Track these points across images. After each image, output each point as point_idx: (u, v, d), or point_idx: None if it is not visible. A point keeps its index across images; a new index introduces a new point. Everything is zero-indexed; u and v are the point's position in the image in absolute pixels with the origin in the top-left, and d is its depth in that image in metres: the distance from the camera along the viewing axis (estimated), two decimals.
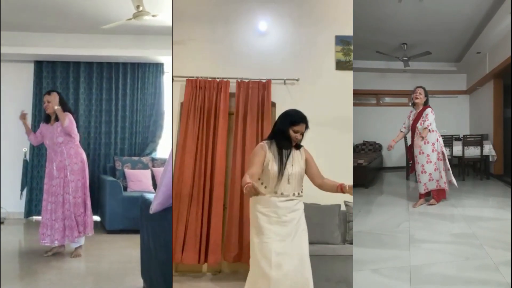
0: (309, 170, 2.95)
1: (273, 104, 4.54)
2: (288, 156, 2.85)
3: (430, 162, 5.36)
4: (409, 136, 5.82)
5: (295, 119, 2.86)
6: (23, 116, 5.18)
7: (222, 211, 4.35)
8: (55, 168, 4.98)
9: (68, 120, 4.99)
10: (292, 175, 2.82)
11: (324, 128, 4.32)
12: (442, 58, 9.16)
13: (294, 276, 2.72)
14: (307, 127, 2.90)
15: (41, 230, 4.97)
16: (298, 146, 2.94)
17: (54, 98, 5.08)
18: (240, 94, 4.50)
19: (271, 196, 2.80)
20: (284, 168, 2.80)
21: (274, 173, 2.79)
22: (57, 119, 5.07)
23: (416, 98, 5.39)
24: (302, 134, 2.89)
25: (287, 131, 2.85)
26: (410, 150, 5.72)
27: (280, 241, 2.74)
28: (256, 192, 2.48)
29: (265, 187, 2.82)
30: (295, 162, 2.87)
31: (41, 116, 7.18)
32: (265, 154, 2.82)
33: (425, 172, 5.38)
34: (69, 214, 4.95)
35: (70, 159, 5.02)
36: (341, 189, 2.85)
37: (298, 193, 2.87)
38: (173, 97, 4.61)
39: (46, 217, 4.97)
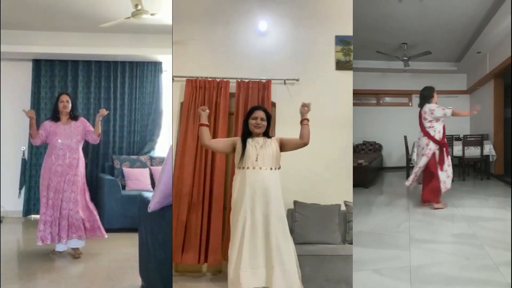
0: (288, 145, 3.38)
1: (273, 104, 4.54)
2: (248, 141, 3.31)
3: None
4: None
5: (251, 110, 3.41)
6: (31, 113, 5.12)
7: (222, 211, 4.34)
8: (67, 165, 4.98)
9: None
10: (261, 154, 3.25)
11: (324, 128, 4.31)
12: (443, 58, 9.17)
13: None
14: (267, 113, 3.38)
15: (45, 228, 4.89)
16: (268, 137, 3.38)
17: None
18: (240, 94, 4.49)
19: (245, 169, 3.25)
20: (245, 148, 3.27)
21: (241, 153, 3.27)
22: (72, 119, 5.14)
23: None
24: (264, 120, 3.34)
25: (246, 122, 3.37)
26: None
27: (251, 217, 3.17)
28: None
29: (242, 168, 3.27)
30: (265, 145, 3.30)
31: (39, 115, 7.19)
32: (234, 142, 3.38)
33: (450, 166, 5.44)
34: (73, 213, 4.95)
35: (80, 160, 5.11)
36: (303, 122, 3.34)
37: (271, 168, 3.27)
38: (173, 97, 4.59)
39: (52, 215, 4.91)
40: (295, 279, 3.16)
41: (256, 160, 3.23)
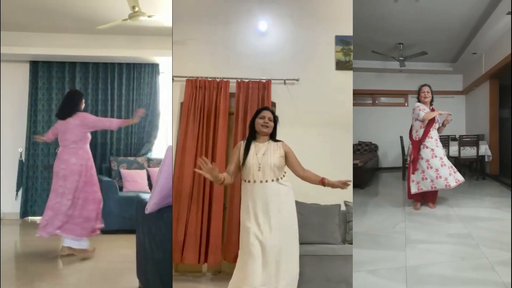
0: (289, 163, 3.19)
1: (273, 104, 4.54)
2: (251, 147, 3.14)
3: (436, 157, 5.18)
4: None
5: (258, 110, 3.27)
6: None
7: (222, 211, 4.35)
8: (76, 170, 5.00)
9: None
10: (263, 163, 3.06)
11: (324, 128, 4.33)
12: (438, 58, 9.18)
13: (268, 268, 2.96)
14: (274, 114, 3.23)
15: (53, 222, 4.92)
16: (275, 140, 3.23)
17: None
18: (240, 94, 4.50)
19: (247, 183, 3.10)
20: (246, 157, 3.09)
21: (242, 163, 3.11)
22: None
23: (425, 97, 5.22)
24: (271, 120, 3.19)
25: (252, 123, 3.23)
26: (417, 146, 5.31)
27: (257, 231, 3.00)
28: (215, 174, 2.92)
29: (245, 180, 3.12)
30: (268, 152, 3.11)
31: (36, 116, 7.19)
32: (239, 152, 3.17)
33: (431, 168, 5.16)
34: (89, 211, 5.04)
35: (89, 161, 5.13)
36: (322, 183, 3.14)
37: (273, 179, 3.08)
38: (173, 97, 4.59)
39: (69, 213, 4.95)
40: None
41: (259, 170, 3.06)
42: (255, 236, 3.00)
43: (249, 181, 3.09)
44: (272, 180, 3.08)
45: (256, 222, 3.04)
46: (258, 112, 3.26)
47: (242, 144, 3.22)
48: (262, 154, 3.11)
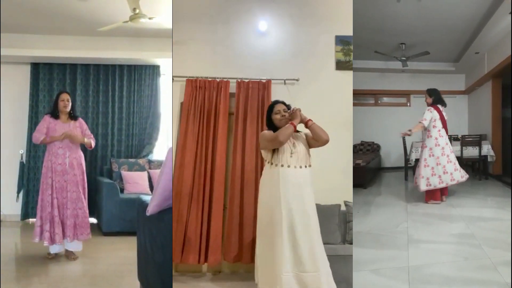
0: (311, 142, 3.27)
1: None
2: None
3: (444, 154, 5.54)
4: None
5: (271, 105, 3.34)
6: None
7: (222, 211, 4.34)
8: (67, 164, 4.99)
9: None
10: (295, 151, 3.14)
11: (324, 128, 4.31)
12: (441, 58, 9.17)
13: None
14: (286, 105, 3.30)
15: (50, 229, 4.89)
16: (297, 131, 3.25)
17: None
18: (240, 94, 4.49)
19: (279, 167, 3.12)
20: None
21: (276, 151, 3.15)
22: (72, 118, 5.14)
23: None
24: (287, 111, 3.25)
25: (269, 119, 3.31)
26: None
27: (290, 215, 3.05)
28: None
29: (271, 164, 3.17)
30: (297, 141, 3.22)
31: (37, 118, 7.18)
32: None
33: (440, 164, 5.53)
34: (82, 212, 5.00)
35: (81, 159, 5.13)
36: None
37: (302, 166, 3.17)
38: (173, 97, 4.59)
39: (55, 214, 4.91)
40: (332, 281, 3.11)
41: (291, 157, 3.12)
42: (289, 220, 3.05)
43: (282, 165, 3.12)
44: (305, 167, 3.19)
45: (290, 206, 3.07)
46: (271, 108, 3.31)
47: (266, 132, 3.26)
48: (293, 143, 3.19)
